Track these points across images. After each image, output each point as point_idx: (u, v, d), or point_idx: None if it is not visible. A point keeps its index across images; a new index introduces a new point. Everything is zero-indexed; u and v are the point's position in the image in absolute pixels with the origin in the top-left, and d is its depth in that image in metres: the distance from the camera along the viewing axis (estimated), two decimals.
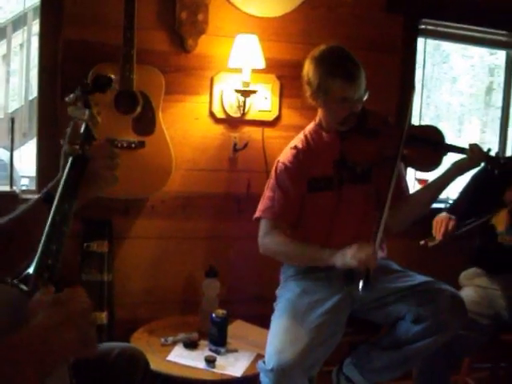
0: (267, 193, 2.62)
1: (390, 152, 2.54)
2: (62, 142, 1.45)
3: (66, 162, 1.41)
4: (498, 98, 4.03)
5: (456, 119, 4.18)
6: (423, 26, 3.48)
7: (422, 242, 2.84)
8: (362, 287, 2.28)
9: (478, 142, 2.57)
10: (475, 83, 4.21)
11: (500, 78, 4.00)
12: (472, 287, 2.93)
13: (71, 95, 1.46)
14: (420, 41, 3.54)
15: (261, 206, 2.61)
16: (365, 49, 3.16)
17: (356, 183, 2.59)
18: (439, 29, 3.57)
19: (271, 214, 2.56)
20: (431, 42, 3.81)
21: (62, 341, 1.10)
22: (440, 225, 2.78)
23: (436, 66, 4.08)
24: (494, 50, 4.03)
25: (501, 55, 3.95)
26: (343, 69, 2.48)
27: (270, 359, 2.26)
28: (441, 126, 2.68)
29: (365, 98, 2.55)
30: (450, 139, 2.68)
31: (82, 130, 1.43)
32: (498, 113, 3.96)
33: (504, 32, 3.72)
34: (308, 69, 2.56)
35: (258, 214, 2.61)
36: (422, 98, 3.63)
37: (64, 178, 1.38)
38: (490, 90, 4.19)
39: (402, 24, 3.38)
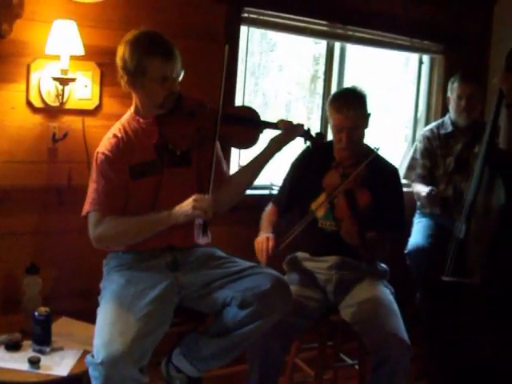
0: (91, 186, 2.54)
1: (207, 132, 2.58)
2: None
3: None
4: (321, 85, 4.17)
5: (283, 106, 4.28)
6: (246, 15, 3.52)
7: None
8: (202, 234, 2.61)
9: None
10: (301, 72, 4.32)
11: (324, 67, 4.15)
12: (297, 271, 3.02)
13: None
14: (244, 29, 3.58)
15: (87, 201, 2.53)
16: (187, 37, 3.15)
17: (177, 166, 2.60)
18: (262, 17, 3.63)
19: (98, 205, 2.49)
20: (258, 31, 3.87)
21: None
22: (260, 249, 2.81)
23: (264, 54, 4.14)
24: (318, 40, 4.15)
25: (323, 45, 4.09)
26: (160, 47, 2.49)
27: (99, 352, 2.21)
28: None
29: (181, 77, 2.57)
30: None
31: None
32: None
33: (324, 22, 3.87)
34: (123, 53, 2.51)
35: (85, 209, 2.52)
36: (244, 85, 3.66)
37: None
38: (315, 78, 4.33)
39: (225, 12, 3.40)
